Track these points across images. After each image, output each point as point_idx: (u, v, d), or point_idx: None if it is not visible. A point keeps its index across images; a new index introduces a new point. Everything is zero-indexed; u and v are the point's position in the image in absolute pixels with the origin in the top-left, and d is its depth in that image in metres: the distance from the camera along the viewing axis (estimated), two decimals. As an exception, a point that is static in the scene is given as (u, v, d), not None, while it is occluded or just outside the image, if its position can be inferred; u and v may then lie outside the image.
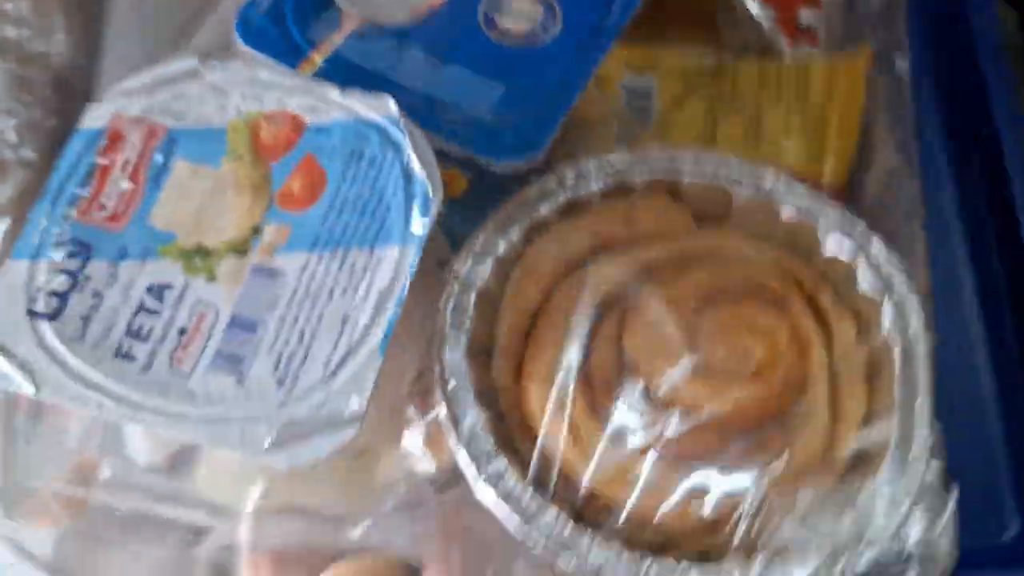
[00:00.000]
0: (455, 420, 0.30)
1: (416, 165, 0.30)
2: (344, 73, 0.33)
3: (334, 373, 0.27)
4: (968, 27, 0.44)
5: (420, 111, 0.32)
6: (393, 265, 0.28)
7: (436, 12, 0.35)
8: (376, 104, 0.31)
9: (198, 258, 0.29)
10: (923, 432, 0.30)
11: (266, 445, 0.26)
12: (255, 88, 0.31)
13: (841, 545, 0.28)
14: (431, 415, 0.31)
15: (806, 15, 0.45)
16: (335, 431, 0.26)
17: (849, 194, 0.40)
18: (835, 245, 0.34)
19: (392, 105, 0.30)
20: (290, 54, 0.33)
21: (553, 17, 0.35)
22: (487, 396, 0.32)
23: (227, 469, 0.32)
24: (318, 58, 0.33)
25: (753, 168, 0.35)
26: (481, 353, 0.33)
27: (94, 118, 0.31)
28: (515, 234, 0.34)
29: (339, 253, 0.29)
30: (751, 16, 0.44)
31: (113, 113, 0.31)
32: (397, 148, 0.30)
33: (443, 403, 0.30)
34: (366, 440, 0.32)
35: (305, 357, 0.27)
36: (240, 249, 0.29)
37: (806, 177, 0.41)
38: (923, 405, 0.30)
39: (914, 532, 0.28)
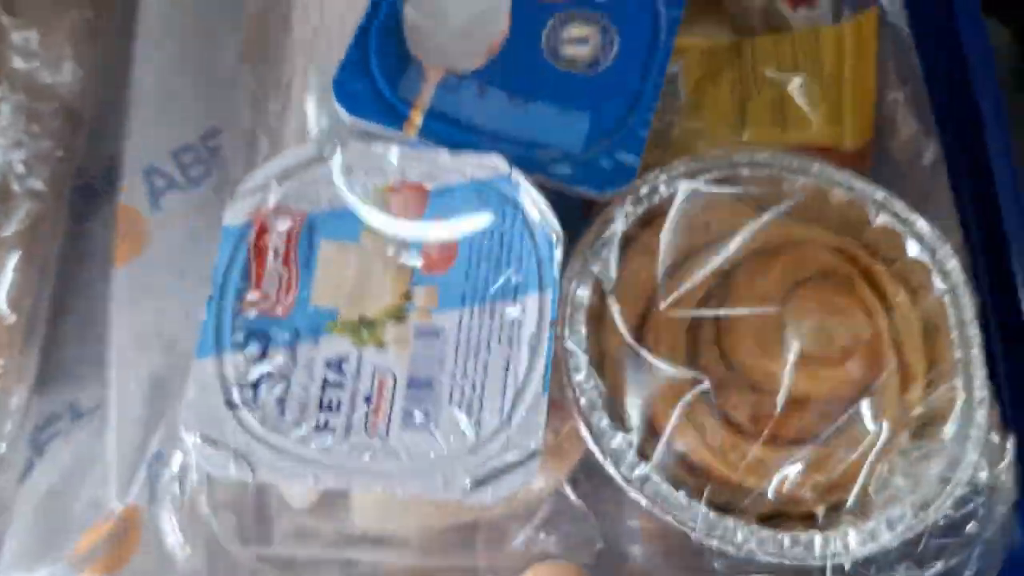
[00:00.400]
0: (595, 434, 0.35)
1: (534, 214, 0.34)
2: (444, 127, 0.36)
3: (509, 417, 0.32)
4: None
5: (519, 153, 0.35)
6: (536, 311, 0.33)
7: (502, 50, 0.38)
8: (487, 162, 0.34)
9: (364, 329, 0.33)
10: (981, 386, 0.36)
11: (467, 488, 0.31)
12: (374, 162, 0.34)
13: (931, 492, 0.34)
14: (565, 429, 0.36)
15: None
16: (522, 468, 0.31)
17: (875, 157, 0.45)
18: (883, 220, 0.39)
19: (502, 163, 0.34)
20: (389, 115, 0.36)
21: (609, 37, 0.38)
22: (607, 402, 0.37)
23: (377, 499, 0.37)
24: (418, 117, 0.36)
25: (802, 161, 0.40)
26: (597, 364, 0.37)
27: (236, 215, 0.34)
28: (606, 252, 0.38)
29: (487, 306, 0.33)
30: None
31: (253, 207, 0.34)
32: (514, 202, 0.34)
33: (580, 420, 0.35)
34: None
35: (481, 405, 0.32)
36: (398, 315, 0.33)
37: (831, 143, 0.46)
38: (978, 360, 0.36)
39: (983, 475, 0.35)
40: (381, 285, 0.33)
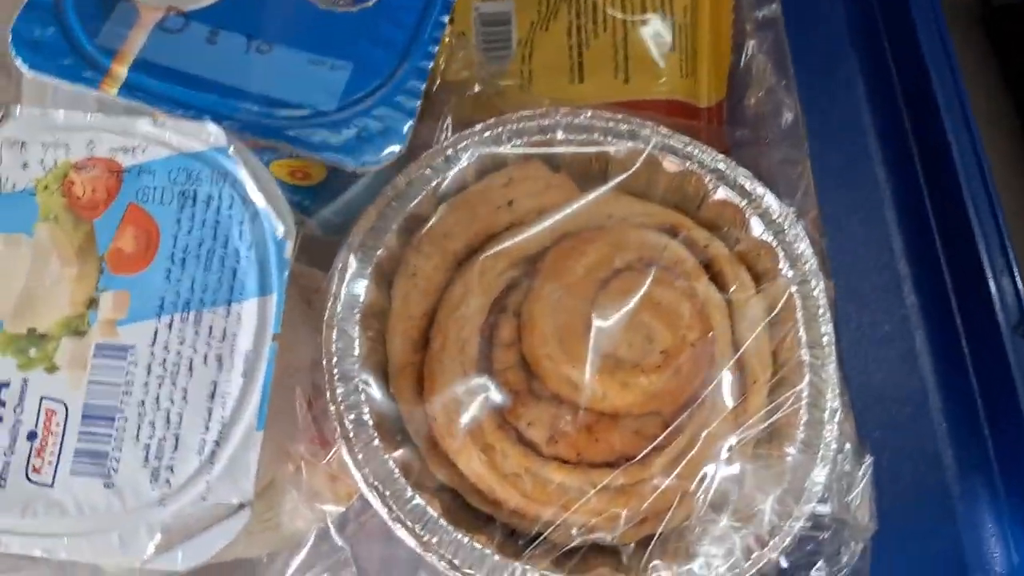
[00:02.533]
0: (359, 459, 0.28)
1: (258, 198, 0.27)
2: (157, 82, 0.28)
3: (212, 457, 0.25)
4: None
5: (256, 114, 0.28)
6: (254, 322, 0.26)
7: (246, -18, 0.30)
8: (198, 131, 0.27)
9: (32, 347, 0.25)
10: (833, 395, 0.29)
11: (151, 550, 0.24)
12: (56, 134, 0.27)
13: (767, 526, 0.28)
14: (332, 453, 0.29)
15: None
16: (226, 522, 0.24)
17: (729, 113, 0.38)
18: (723, 194, 0.32)
19: (216, 131, 0.27)
20: (86, 68, 0.28)
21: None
22: (386, 418, 0.30)
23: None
24: (121, 69, 0.28)
25: (630, 124, 0.33)
26: (376, 370, 0.30)
27: None
28: (391, 237, 0.31)
29: (191, 316, 0.26)
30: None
31: None
32: (233, 181, 0.27)
33: (342, 441, 0.29)
34: (264, 481, 0.30)
35: (176, 443, 0.25)
36: (77, 329, 0.26)
37: (684, 99, 0.39)
38: (830, 363, 0.30)
39: (831, 505, 0.28)
40: (58, 290, 0.26)
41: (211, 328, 0.26)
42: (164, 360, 0.25)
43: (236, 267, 0.26)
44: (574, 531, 0.29)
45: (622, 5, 0.39)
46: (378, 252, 0.31)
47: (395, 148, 0.28)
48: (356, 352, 0.30)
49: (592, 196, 0.32)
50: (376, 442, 0.29)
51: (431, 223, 0.32)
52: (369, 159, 0.28)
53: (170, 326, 0.26)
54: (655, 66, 0.38)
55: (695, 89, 0.38)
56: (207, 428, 0.25)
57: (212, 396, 0.25)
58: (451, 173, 0.32)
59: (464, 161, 0.32)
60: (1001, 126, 0.51)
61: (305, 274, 0.29)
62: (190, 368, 0.25)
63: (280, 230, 0.26)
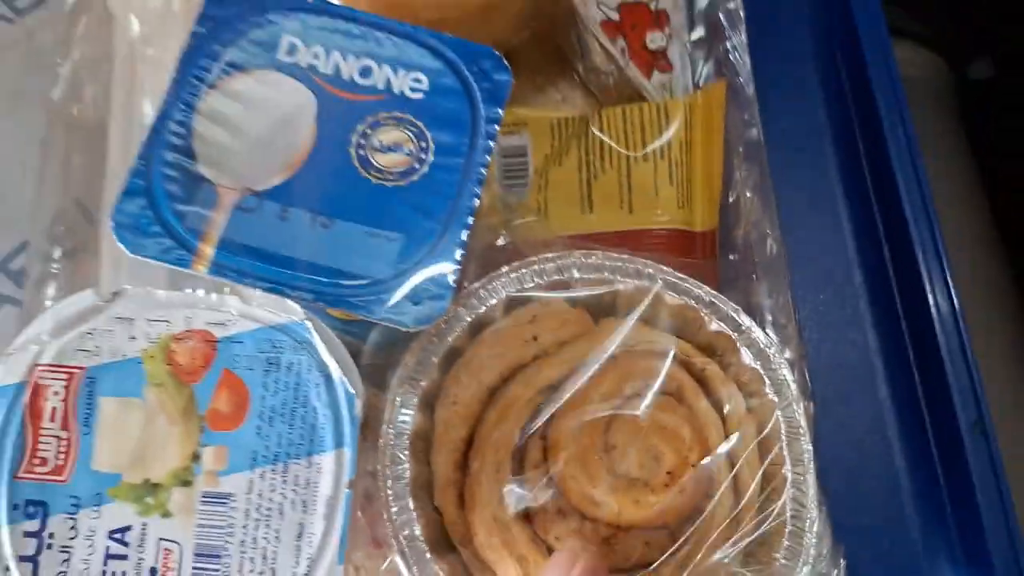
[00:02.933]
0: (412, 571, 0.34)
1: (332, 365, 0.32)
2: (240, 259, 0.33)
3: (302, 589, 0.30)
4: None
5: (323, 285, 0.33)
6: (332, 472, 0.31)
7: (306, 163, 0.35)
8: (279, 307, 0.32)
9: (148, 496, 0.31)
10: (813, 505, 0.35)
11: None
12: (158, 311, 0.32)
13: (755, 624, 0.34)
14: (387, 562, 0.35)
15: (654, 37, 0.47)
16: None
17: (721, 239, 0.43)
18: (716, 326, 0.37)
19: (294, 307, 0.32)
20: (178, 249, 0.33)
21: (424, 140, 0.36)
22: (433, 529, 0.35)
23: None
24: (208, 249, 0.33)
25: (635, 263, 0.38)
26: (424, 487, 0.36)
27: (9, 372, 0.31)
28: (433, 369, 0.36)
29: (279, 467, 0.31)
30: (604, 51, 0.45)
31: (27, 365, 0.31)
32: (310, 349, 0.32)
33: (398, 555, 0.34)
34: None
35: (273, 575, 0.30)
36: (185, 479, 0.31)
37: (680, 225, 0.44)
38: (810, 478, 0.35)
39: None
40: (167, 445, 0.31)
41: (296, 477, 0.31)
42: (259, 505, 0.31)
43: (315, 423, 0.31)
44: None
45: (625, 143, 0.44)
46: (422, 383, 0.36)
47: (443, 306, 0.33)
48: (406, 475, 0.35)
49: (614, 328, 0.37)
50: (428, 554, 0.34)
51: (467, 356, 0.37)
52: (421, 319, 0.33)
53: (262, 476, 0.31)
54: (655, 198, 0.43)
55: (691, 218, 0.43)
56: (297, 563, 0.30)
57: (300, 536, 0.31)
58: (482, 311, 0.37)
59: (493, 300, 0.38)
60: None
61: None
62: (281, 512, 0.31)
63: (350, 390, 0.32)
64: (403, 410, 0.35)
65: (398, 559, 0.34)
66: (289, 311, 0.32)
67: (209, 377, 0.32)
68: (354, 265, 0.33)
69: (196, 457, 0.31)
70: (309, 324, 0.32)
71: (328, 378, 0.32)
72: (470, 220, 0.34)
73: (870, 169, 0.48)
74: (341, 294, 0.33)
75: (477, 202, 0.35)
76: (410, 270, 0.34)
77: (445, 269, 0.34)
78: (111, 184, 0.41)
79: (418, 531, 0.34)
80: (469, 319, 0.37)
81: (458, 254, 0.34)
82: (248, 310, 0.32)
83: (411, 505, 0.35)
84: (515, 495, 0.35)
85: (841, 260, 0.47)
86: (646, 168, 0.43)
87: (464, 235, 0.34)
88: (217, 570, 0.30)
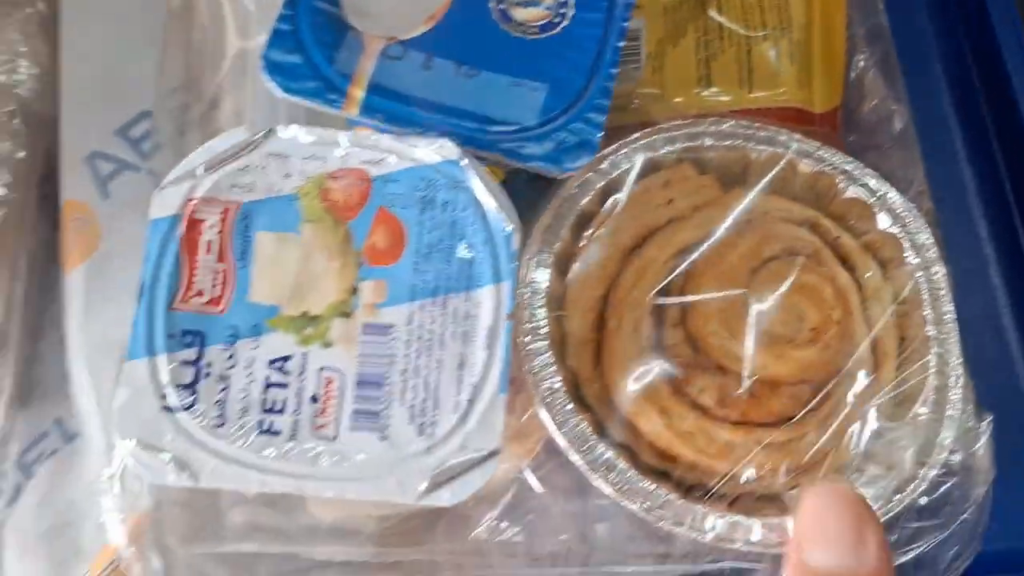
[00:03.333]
0: (557, 420, 0.34)
1: (488, 201, 0.32)
2: (387, 103, 0.33)
3: (465, 416, 0.30)
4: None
5: (470, 129, 0.33)
6: (492, 305, 0.31)
7: (447, 15, 0.35)
8: (434, 146, 0.32)
9: (308, 327, 0.31)
10: (956, 364, 0.35)
11: (423, 490, 0.29)
12: (312, 148, 0.32)
13: (905, 475, 0.33)
14: (526, 415, 0.34)
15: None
16: (479, 468, 0.29)
17: (843, 120, 0.43)
18: (852, 192, 0.37)
19: (451, 146, 0.32)
20: (327, 91, 0.33)
21: (563, -4, 0.36)
22: (568, 385, 0.35)
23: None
24: (358, 92, 0.33)
25: (767, 131, 0.38)
26: (559, 345, 0.36)
27: (164, 206, 0.31)
28: (565, 231, 0.36)
29: (438, 301, 0.31)
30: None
31: (182, 198, 0.31)
32: (465, 187, 0.32)
33: (540, 405, 0.34)
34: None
35: (435, 404, 0.30)
36: (344, 311, 0.31)
37: (800, 106, 0.44)
38: (952, 337, 0.35)
39: (958, 456, 0.34)
40: (324, 279, 0.31)
41: (455, 310, 0.31)
42: (420, 336, 0.31)
43: (472, 259, 0.31)
44: (742, 481, 0.34)
45: (745, 23, 0.44)
46: (555, 245, 0.36)
47: (588, 157, 0.33)
48: (545, 329, 0.35)
49: (745, 194, 0.37)
50: (569, 406, 0.34)
51: (600, 219, 0.37)
52: (568, 166, 0.33)
53: (422, 308, 0.31)
54: (775, 77, 0.43)
55: (811, 97, 0.43)
56: (459, 391, 0.30)
57: (461, 366, 0.30)
58: (613, 176, 0.37)
59: (625, 165, 0.37)
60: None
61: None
62: (441, 343, 0.31)
63: (507, 226, 0.31)
64: (538, 270, 0.35)
65: (542, 411, 0.34)
66: (444, 150, 0.32)
67: (365, 214, 0.32)
68: (501, 112, 0.33)
69: (354, 291, 0.31)
70: (464, 161, 0.32)
71: (484, 214, 0.32)
72: (613, 72, 0.34)
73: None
74: (489, 139, 0.33)
75: (619, 57, 0.35)
76: (555, 119, 0.34)
77: (590, 119, 0.33)
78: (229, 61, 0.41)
79: (558, 384, 0.34)
80: (600, 184, 0.37)
81: (602, 106, 0.34)
82: (403, 149, 0.32)
83: (551, 359, 0.34)
84: (655, 350, 0.35)
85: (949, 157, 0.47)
86: (765, 47, 0.43)
87: (609, 87, 0.34)
88: (379, 397, 0.30)
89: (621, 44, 0.35)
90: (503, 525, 0.35)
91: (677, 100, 0.43)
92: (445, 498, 0.29)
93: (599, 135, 0.33)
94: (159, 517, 0.33)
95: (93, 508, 0.38)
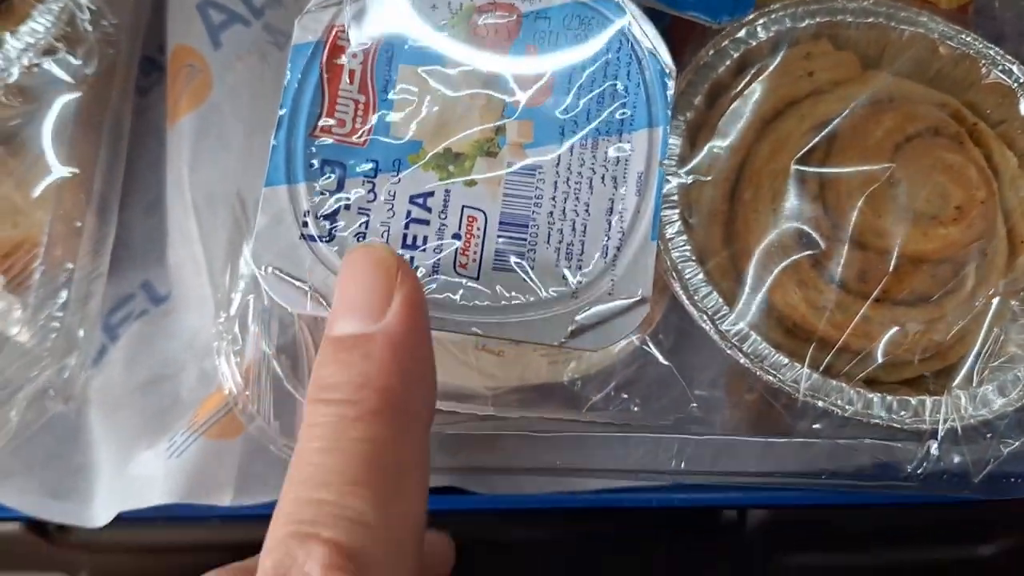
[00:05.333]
0: (688, 289, 0.32)
1: (645, 42, 0.30)
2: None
3: (614, 261, 0.29)
4: None
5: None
6: (645, 149, 0.30)
7: None
8: (590, -16, 0.31)
9: (451, 164, 0.29)
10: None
11: (568, 333, 0.28)
12: (462, -20, 0.31)
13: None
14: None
15: None
16: (627, 315, 0.28)
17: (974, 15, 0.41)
18: (995, 77, 0.36)
19: (607, -16, 0.30)
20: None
21: None
22: (703, 258, 0.34)
23: (447, 354, 0.34)
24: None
25: (908, 11, 0.36)
26: (688, 215, 0.34)
27: (306, 32, 0.30)
28: (699, 99, 0.35)
29: (589, 143, 0.30)
30: None
31: (326, 24, 0.30)
32: (621, 28, 0.30)
33: (672, 274, 0.33)
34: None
35: (583, 248, 0.29)
36: (490, 150, 0.29)
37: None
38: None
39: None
40: (469, 117, 0.30)
41: (606, 154, 0.30)
42: (567, 179, 0.29)
43: (625, 102, 0.30)
44: (878, 360, 0.33)
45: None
46: (688, 113, 0.35)
47: (745, 11, 0.32)
48: (673, 198, 0.34)
49: (885, 71, 0.35)
50: (700, 275, 0.33)
51: (737, 89, 0.36)
52: (725, 18, 0.32)
53: (571, 150, 0.29)
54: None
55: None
56: (608, 237, 0.29)
57: (611, 211, 0.29)
58: (751, 45, 0.36)
59: (762, 36, 0.36)
60: None
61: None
62: (590, 186, 0.29)
63: (664, 69, 0.30)
64: (670, 139, 0.34)
65: (673, 280, 0.32)
66: (600, -13, 0.30)
67: (513, 51, 0.30)
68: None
69: (500, 130, 0.30)
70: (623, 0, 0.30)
71: (640, 56, 0.30)
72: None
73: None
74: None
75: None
76: (714, -31, 0.32)
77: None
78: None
79: (688, 252, 0.33)
80: (735, 54, 0.36)
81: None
82: (556, -16, 0.30)
83: (682, 228, 0.33)
84: (794, 223, 0.33)
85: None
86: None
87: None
88: (524, 239, 0.29)
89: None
90: (622, 397, 0.34)
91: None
92: (589, 342, 0.28)
93: (754, -7, 0.32)
94: (271, 363, 0.32)
95: (191, 361, 0.37)
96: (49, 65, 0.35)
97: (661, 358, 0.34)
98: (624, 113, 0.30)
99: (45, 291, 0.33)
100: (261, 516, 0.34)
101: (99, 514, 0.35)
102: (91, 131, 0.36)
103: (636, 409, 0.33)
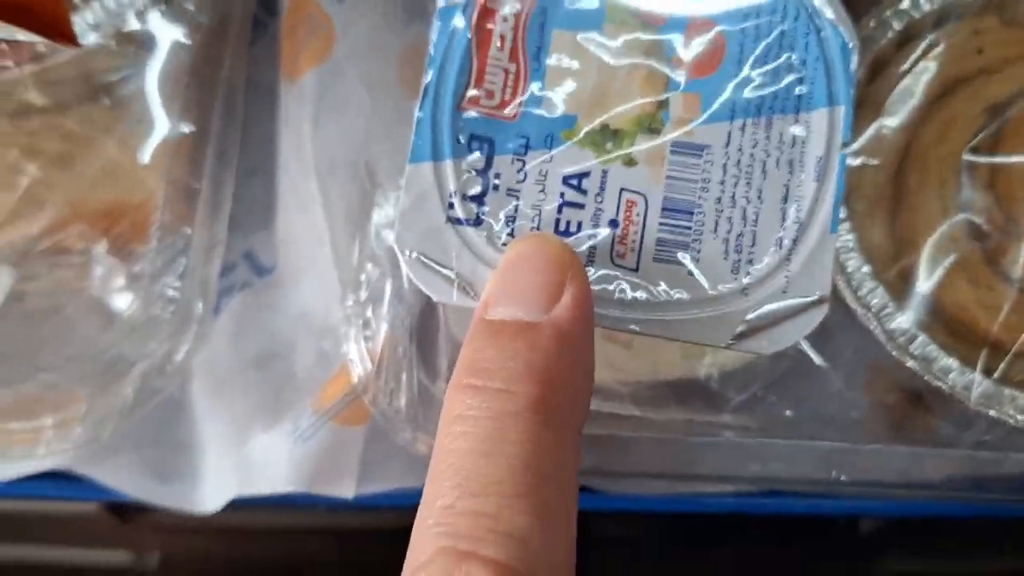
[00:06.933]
0: (851, 284, 0.30)
1: (825, 12, 0.27)
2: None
3: (789, 255, 0.26)
4: None
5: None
6: (825, 130, 0.27)
7: None
8: (764, -53, 0.27)
9: (608, 142, 0.27)
10: None
11: (737, 333, 0.26)
12: (623, -63, 0.28)
13: None
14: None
15: None
16: (804, 315, 0.26)
17: None
18: None
19: (783, -55, 0.27)
20: None
21: None
22: (867, 251, 0.31)
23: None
24: None
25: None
26: (846, 202, 0.32)
27: (455, -9, 0.27)
28: (860, 74, 0.32)
29: (762, 122, 0.27)
30: None
31: (476, -17, 0.27)
32: (797, -6, 0.27)
33: (838, 274, 0.30)
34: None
35: (754, 239, 0.26)
36: (652, 126, 0.27)
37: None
38: None
39: None
40: (629, 89, 0.27)
41: (781, 134, 0.27)
42: (739, 161, 0.27)
43: (803, 76, 0.27)
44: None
45: None
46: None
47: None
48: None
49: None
50: (866, 268, 0.30)
51: (899, 64, 0.32)
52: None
53: (743, 129, 0.27)
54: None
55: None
56: (783, 228, 0.26)
57: (786, 198, 0.26)
58: (915, 17, 0.33)
59: (926, 7, 0.33)
60: None
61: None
62: (763, 170, 0.27)
63: (847, 42, 0.27)
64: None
65: (839, 281, 0.30)
66: (776, -51, 0.27)
67: (677, 19, 0.27)
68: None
69: (663, 104, 0.27)
70: (802, -36, 0.27)
71: (820, 28, 0.27)
72: None
73: None
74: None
75: None
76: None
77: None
78: None
79: (852, 243, 0.30)
80: (898, 26, 0.33)
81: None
82: (728, -56, 0.27)
83: (846, 214, 0.31)
84: (964, 215, 0.31)
85: None
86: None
87: None
88: (689, 227, 0.26)
89: None
90: (771, 399, 0.32)
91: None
92: (762, 345, 0.26)
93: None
94: (403, 349, 0.30)
95: (305, 339, 0.35)
96: (161, 10, 0.33)
97: (817, 359, 0.31)
98: (802, 89, 0.27)
99: (162, 259, 0.31)
100: (331, 505, 0.32)
101: (210, 498, 0.34)
102: (205, 86, 0.33)
103: (789, 414, 0.31)
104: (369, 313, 0.29)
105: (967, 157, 0.31)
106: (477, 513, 0.19)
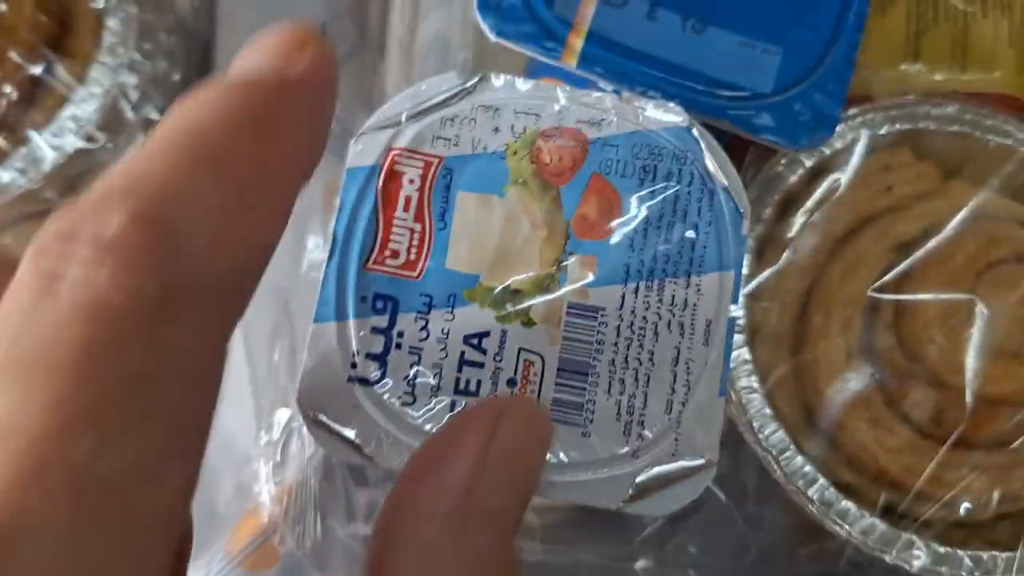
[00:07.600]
0: (752, 425, 0.31)
1: (718, 177, 0.28)
2: (607, 55, 0.30)
3: (679, 417, 0.27)
4: None
5: (695, 92, 0.30)
6: (716, 294, 0.28)
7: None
8: (662, 111, 0.29)
9: (508, 302, 0.28)
10: None
11: (626, 497, 0.27)
12: (527, 102, 0.29)
13: None
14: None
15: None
16: (693, 479, 0.27)
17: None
18: (1090, 194, 0.34)
19: (679, 111, 0.28)
20: (544, 37, 0.30)
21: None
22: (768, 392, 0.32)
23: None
24: (577, 41, 0.30)
25: (995, 119, 0.34)
26: (750, 342, 0.33)
27: (363, 154, 0.28)
28: (768, 212, 0.33)
29: (655, 285, 0.28)
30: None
31: (382, 147, 0.28)
32: (694, 159, 0.28)
33: (738, 408, 0.31)
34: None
35: (645, 401, 0.27)
36: (549, 288, 0.28)
37: (1016, 93, 0.40)
38: None
39: None
40: (529, 250, 0.28)
41: (673, 297, 0.28)
42: (631, 323, 0.28)
43: (695, 241, 0.28)
44: (959, 511, 0.31)
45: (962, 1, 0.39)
46: (756, 227, 0.33)
47: (828, 133, 0.30)
48: (740, 322, 0.32)
49: (973, 188, 0.33)
50: (767, 410, 0.31)
51: (809, 203, 0.34)
52: (804, 143, 0.30)
53: (636, 292, 0.28)
54: (992, 60, 0.39)
55: (1028, 85, 0.39)
56: (673, 390, 0.27)
57: (676, 360, 0.27)
58: (826, 154, 0.34)
59: (838, 144, 0.34)
60: None
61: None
62: (655, 333, 0.28)
63: (738, 206, 0.28)
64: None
65: (738, 413, 0.31)
66: (672, 113, 0.28)
67: (577, 180, 0.28)
68: (730, 75, 0.30)
69: (561, 266, 0.28)
70: (695, 131, 0.28)
71: (712, 191, 0.28)
72: (858, 38, 0.30)
73: None
74: (719, 104, 0.30)
75: (864, 21, 0.31)
76: (791, 88, 0.30)
77: (831, 91, 0.30)
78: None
79: (755, 383, 0.31)
80: (809, 163, 0.34)
81: (844, 76, 0.30)
82: (625, 110, 0.29)
83: (749, 354, 0.32)
84: (866, 354, 0.32)
85: None
86: (985, 26, 0.39)
87: (852, 55, 0.30)
88: (583, 388, 0.27)
89: (867, 8, 0.31)
90: (677, 533, 0.33)
91: (883, 73, 0.39)
92: (652, 508, 0.26)
93: (839, 109, 0.30)
94: (310, 491, 0.30)
95: (227, 468, 0.36)
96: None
97: (724, 497, 0.32)
98: (693, 253, 0.28)
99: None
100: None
101: None
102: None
103: (693, 551, 0.32)
104: (278, 455, 0.30)
105: (872, 295, 0.32)
106: None
